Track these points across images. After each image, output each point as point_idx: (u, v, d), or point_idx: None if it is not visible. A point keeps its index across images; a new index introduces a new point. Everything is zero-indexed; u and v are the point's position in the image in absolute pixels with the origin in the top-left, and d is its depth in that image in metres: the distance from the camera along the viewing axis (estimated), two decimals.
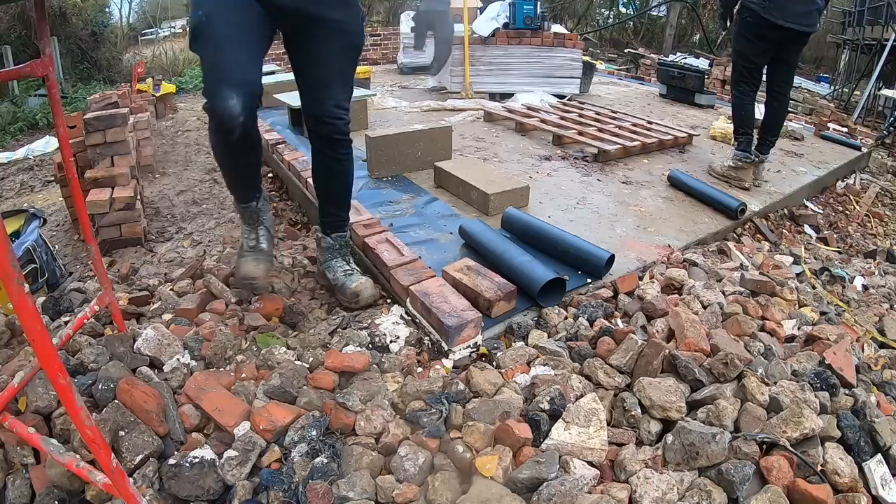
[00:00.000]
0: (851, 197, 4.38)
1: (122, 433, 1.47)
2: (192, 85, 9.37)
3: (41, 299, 2.28)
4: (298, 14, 1.75)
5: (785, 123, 4.17)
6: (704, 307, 2.23)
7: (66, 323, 2.00)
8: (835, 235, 3.75)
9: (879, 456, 1.64)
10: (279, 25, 1.81)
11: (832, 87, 10.39)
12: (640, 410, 1.66)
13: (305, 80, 1.97)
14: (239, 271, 2.07)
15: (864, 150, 5.09)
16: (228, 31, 1.59)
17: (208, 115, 1.66)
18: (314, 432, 1.54)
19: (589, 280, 2.41)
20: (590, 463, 1.51)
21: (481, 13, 6.63)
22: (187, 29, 2.44)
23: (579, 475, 1.46)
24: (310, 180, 3.32)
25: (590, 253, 2.41)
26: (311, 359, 1.88)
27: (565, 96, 6.05)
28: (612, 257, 2.42)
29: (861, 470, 1.59)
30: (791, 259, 3.01)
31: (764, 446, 1.56)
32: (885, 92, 7.34)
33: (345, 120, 1.96)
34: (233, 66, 1.57)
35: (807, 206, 3.99)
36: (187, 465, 1.42)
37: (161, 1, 14.85)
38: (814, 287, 2.74)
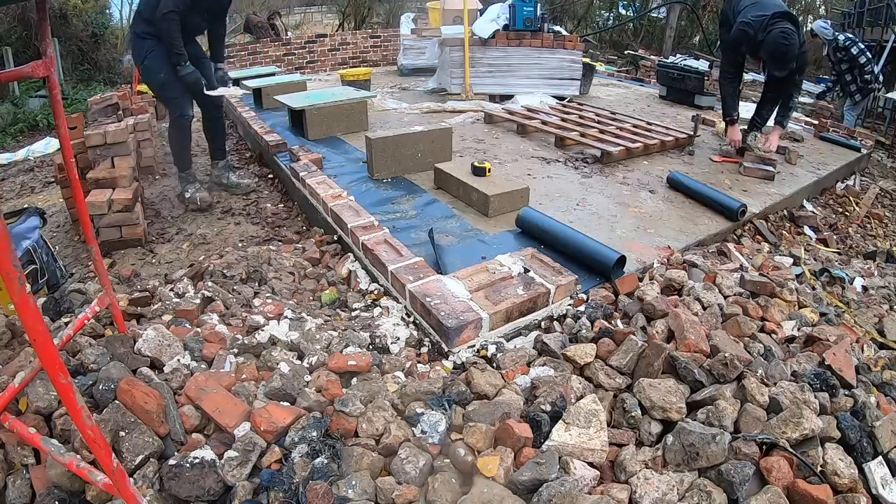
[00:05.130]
0: (851, 198, 4.38)
1: (122, 433, 1.48)
2: None
3: (42, 300, 2.28)
4: None
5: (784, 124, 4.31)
6: (704, 308, 2.23)
7: (66, 324, 2.00)
8: (834, 237, 3.75)
9: (880, 457, 1.64)
10: None
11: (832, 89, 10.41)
12: (640, 411, 1.66)
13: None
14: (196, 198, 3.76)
15: (864, 151, 5.09)
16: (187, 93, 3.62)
17: (180, 116, 3.63)
18: (314, 433, 1.55)
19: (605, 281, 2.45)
20: (590, 464, 1.51)
21: (481, 15, 6.64)
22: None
23: (579, 476, 1.46)
24: (309, 181, 3.34)
25: (606, 256, 2.44)
26: (313, 359, 1.88)
27: (565, 98, 6.05)
28: (623, 259, 2.47)
29: (861, 470, 1.59)
30: (791, 260, 3.01)
31: (764, 447, 1.56)
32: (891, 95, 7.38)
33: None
34: (190, 101, 3.66)
35: (806, 208, 4.00)
36: (188, 465, 1.42)
37: None
38: (813, 288, 2.74)
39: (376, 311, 2.35)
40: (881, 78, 6.75)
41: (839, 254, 3.52)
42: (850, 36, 6.50)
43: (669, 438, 1.54)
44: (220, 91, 3.66)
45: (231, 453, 1.46)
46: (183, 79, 3.43)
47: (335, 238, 3.00)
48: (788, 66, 3.75)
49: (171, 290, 2.40)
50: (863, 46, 6.21)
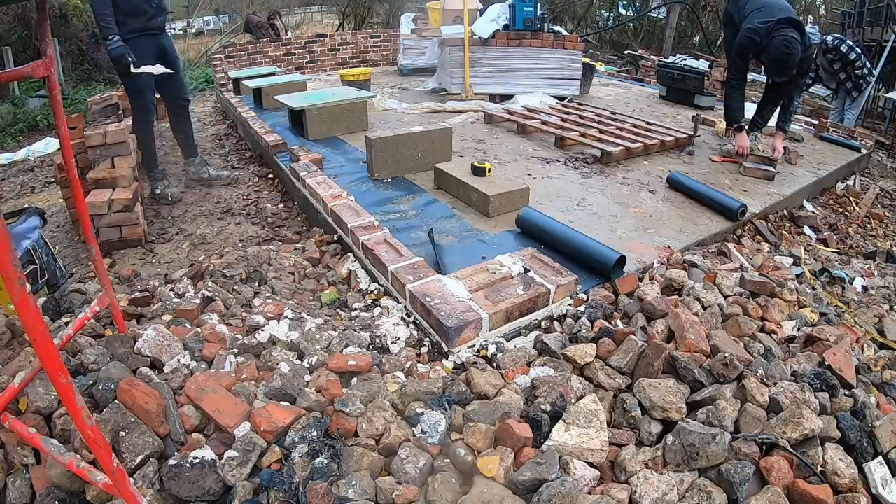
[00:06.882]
0: (851, 198, 4.38)
1: (122, 433, 1.48)
2: (192, 86, 9.38)
3: (42, 300, 2.28)
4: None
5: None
6: (704, 308, 2.23)
7: (66, 324, 2.00)
8: (834, 236, 3.75)
9: (880, 457, 1.64)
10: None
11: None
12: (640, 411, 1.66)
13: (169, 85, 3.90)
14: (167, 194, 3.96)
15: (864, 151, 5.09)
16: (149, 92, 3.74)
17: (143, 120, 3.79)
18: (314, 433, 1.55)
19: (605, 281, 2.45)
20: (590, 464, 1.51)
21: (481, 15, 6.63)
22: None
23: (579, 476, 1.46)
24: (309, 181, 3.34)
25: (606, 256, 2.44)
26: (313, 359, 1.88)
27: (565, 98, 6.05)
28: (623, 259, 2.46)
29: (861, 470, 1.59)
30: (791, 260, 3.01)
31: (764, 447, 1.56)
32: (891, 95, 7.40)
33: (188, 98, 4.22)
34: (153, 102, 3.82)
35: (806, 208, 4.00)
36: (188, 465, 1.42)
37: None
38: (813, 288, 2.74)
39: (376, 311, 2.35)
40: (875, 72, 6.79)
41: (839, 254, 3.52)
42: (838, 36, 6.56)
43: (669, 438, 1.54)
44: (146, 69, 3.46)
45: (231, 453, 1.46)
46: (108, 52, 3.38)
47: (335, 238, 3.00)
48: (789, 73, 3.82)
49: (171, 290, 2.40)
50: (851, 44, 6.26)
